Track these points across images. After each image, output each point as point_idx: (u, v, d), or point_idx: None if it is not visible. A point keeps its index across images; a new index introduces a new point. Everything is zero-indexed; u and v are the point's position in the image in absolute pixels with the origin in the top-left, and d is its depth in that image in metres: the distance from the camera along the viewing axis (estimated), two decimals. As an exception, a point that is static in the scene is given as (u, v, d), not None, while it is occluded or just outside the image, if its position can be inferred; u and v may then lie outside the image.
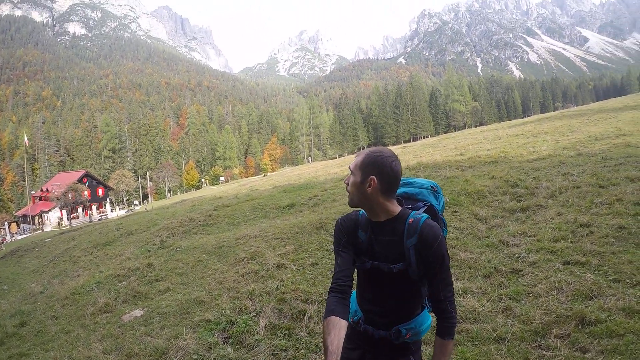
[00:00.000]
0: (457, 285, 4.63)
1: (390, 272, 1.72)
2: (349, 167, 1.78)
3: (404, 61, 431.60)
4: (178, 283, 7.12)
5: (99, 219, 48.09)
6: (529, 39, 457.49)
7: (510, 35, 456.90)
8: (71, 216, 52.65)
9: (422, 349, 1.98)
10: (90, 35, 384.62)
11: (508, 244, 5.87)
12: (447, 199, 8.56)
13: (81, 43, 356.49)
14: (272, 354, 3.93)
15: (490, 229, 6.79)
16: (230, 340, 4.29)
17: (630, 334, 3.21)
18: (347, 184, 1.77)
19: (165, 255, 9.44)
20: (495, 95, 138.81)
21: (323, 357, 1.57)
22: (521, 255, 5.35)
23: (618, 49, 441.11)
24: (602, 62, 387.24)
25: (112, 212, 58.81)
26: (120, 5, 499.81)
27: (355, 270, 1.86)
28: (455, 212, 7.85)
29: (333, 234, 1.85)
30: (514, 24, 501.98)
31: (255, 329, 4.35)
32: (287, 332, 4.29)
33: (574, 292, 4.04)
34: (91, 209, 58.76)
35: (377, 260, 1.75)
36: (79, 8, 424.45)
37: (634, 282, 4.04)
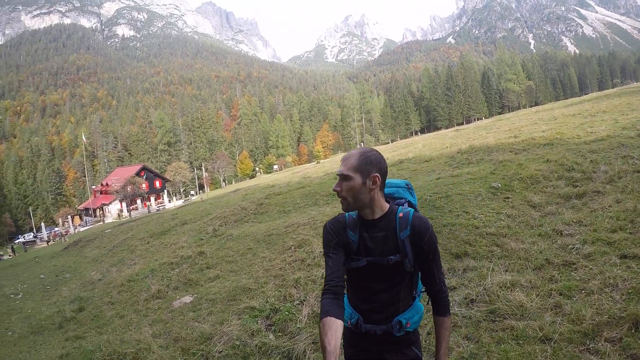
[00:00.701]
0: (506, 277, 4.39)
1: (387, 264, 1.77)
2: (340, 173, 1.76)
3: (453, 41, 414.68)
4: (227, 271, 7.35)
5: (157, 210, 50.19)
6: (583, 11, 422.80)
7: (563, 8, 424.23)
8: (130, 208, 55.48)
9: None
10: (138, 36, 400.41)
11: (562, 234, 5.51)
12: (499, 184, 8.22)
13: (131, 44, 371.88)
14: (313, 342, 3.94)
15: (544, 216, 6.43)
16: (273, 328, 4.38)
17: None
18: (340, 190, 1.75)
19: (217, 243, 9.73)
20: (550, 73, 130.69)
21: (322, 358, 1.56)
22: (575, 246, 5.00)
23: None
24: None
25: (169, 202, 61.38)
26: (165, 5, 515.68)
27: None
28: (507, 198, 7.49)
29: (323, 238, 1.86)
30: None
31: (298, 317, 4.41)
32: (328, 321, 4.32)
33: (630, 290, 3.69)
34: (149, 200, 61.62)
35: (372, 256, 1.80)
36: (125, 11, 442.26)
37: None
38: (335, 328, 1.59)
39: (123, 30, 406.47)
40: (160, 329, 5.10)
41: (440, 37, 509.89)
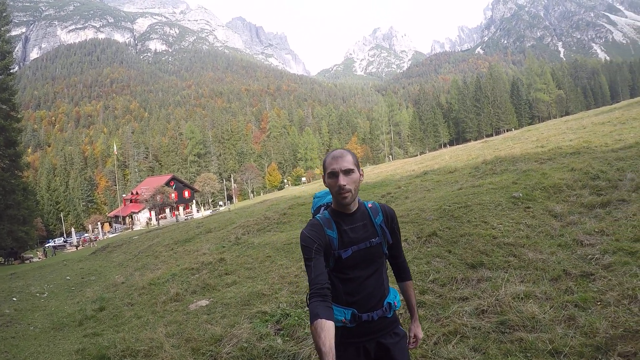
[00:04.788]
0: (520, 288, 4.27)
1: (371, 247, 1.97)
2: (345, 168, 1.90)
3: (481, 51, 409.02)
4: (245, 277, 7.52)
5: (185, 219, 50.87)
6: (612, 17, 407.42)
7: (592, 14, 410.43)
8: (159, 216, 56.59)
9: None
10: (170, 50, 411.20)
11: (582, 244, 5.35)
12: (520, 194, 8.06)
13: (163, 58, 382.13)
14: (319, 348, 3.97)
15: (565, 226, 6.26)
16: (282, 332, 4.44)
17: None
18: (345, 184, 1.88)
19: (238, 251, 9.94)
20: (580, 82, 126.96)
21: None
22: (595, 256, 4.84)
23: None
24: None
25: (197, 212, 62.28)
26: (197, 21, 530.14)
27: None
28: (528, 208, 7.33)
29: (301, 247, 1.91)
30: (594, 1, 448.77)
31: (307, 323, 4.42)
32: (337, 328, 4.33)
33: None
34: (178, 210, 62.78)
35: (357, 245, 1.95)
36: (158, 27, 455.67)
37: None
38: (327, 329, 1.63)
39: (155, 45, 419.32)
40: (174, 330, 5.24)
41: (469, 48, 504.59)
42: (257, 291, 6.12)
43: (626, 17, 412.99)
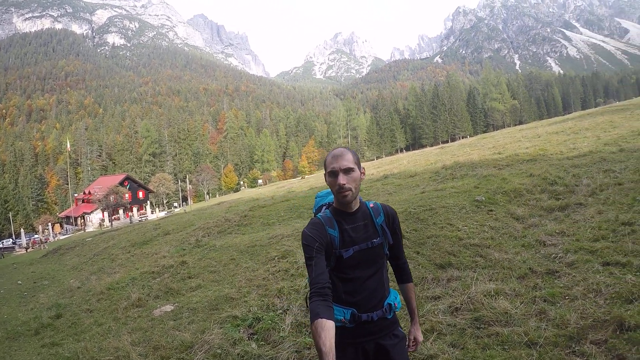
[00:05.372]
0: (490, 286, 4.43)
1: (372, 247, 1.96)
2: (345, 167, 1.89)
3: (440, 60, 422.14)
4: (210, 280, 7.27)
5: (139, 220, 49.47)
6: (567, 33, 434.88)
7: (548, 30, 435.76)
8: (112, 217, 54.55)
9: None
10: (129, 45, 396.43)
11: (545, 244, 5.63)
12: (483, 198, 8.33)
13: (120, 53, 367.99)
14: (296, 351, 3.88)
15: (527, 228, 6.56)
16: (255, 337, 4.31)
17: None
18: (345, 183, 1.87)
19: (200, 253, 9.64)
20: (534, 93, 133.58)
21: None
22: (558, 255, 5.10)
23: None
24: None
25: (152, 213, 60.58)
26: (157, 16, 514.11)
27: None
28: (491, 211, 7.61)
29: (302, 246, 1.89)
30: (551, 17, 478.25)
31: (281, 326, 4.34)
32: (312, 329, 4.26)
33: (613, 295, 3.78)
34: (132, 211, 60.75)
35: (358, 245, 1.94)
36: (117, 20, 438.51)
37: None
38: (328, 329, 1.61)
39: (114, 39, 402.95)
40: (140, 337, 4.97)
41: (428, 56, 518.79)
42: (225, 295, 5.93)
43: (581, 33, 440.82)
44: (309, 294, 1.79)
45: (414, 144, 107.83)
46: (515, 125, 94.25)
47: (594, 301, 3.77)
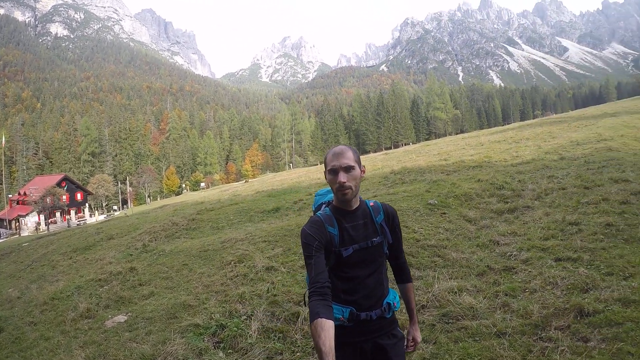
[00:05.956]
0: (452, 284, 4.63)
1: (371, 246, 1.96)
2: (346, 165, 1.89)
3: (386, 69, 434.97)
4: (163, 287, 6.94)
5: (78, 224, 46.69)
6: (510, 48, 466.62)
7: (492, 45, 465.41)
8: (49, 221, 50.91)
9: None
10: (72, 36, 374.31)
11: (499, 244, 5.95)
12: (436, 201, 8.61)
13: (63, 44, 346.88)
14: (267, 358, 3.81)
15: (480, 229, 6.89)
16: (222, 345, 4.14)
17: (628, 322, 3.30)
18: (345, 182, 1.87)
19: (149, 259, 9.26)
20: (475, 103, 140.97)
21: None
22: (513, 253, 5.43)
23: (597, 59, 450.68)
24: (581, 72, 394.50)
25: (90, 217, 57.30)
26: (104, 7, 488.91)
27: None
28: (444, 213, 7.92)
29: (302, 244, 1.89)
30: (495, 33, 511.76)
31: (248, 333, 4.21)
32: (280, 335, 4.17)
33: (569, 286, 4.12)
34: (69, 214, 57.10)
35: (358, 243, 1.94)
36: (62, 9, 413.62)
37: (627, 275, 4.16)
38: (327, 328, 1.60)
39: (57, 29, 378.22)
40: (94, 352, 4.62)
41: (374, 64, 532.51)
42: (182, 302, 5.67)
43: (523, 50, 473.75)
44: (308, 293, 1.78)
45: (358, 150, 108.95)
46: (457, 134, 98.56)
47: (552, 292, 4.08)
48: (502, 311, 3.90)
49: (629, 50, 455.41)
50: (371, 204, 2.06)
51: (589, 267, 4.51)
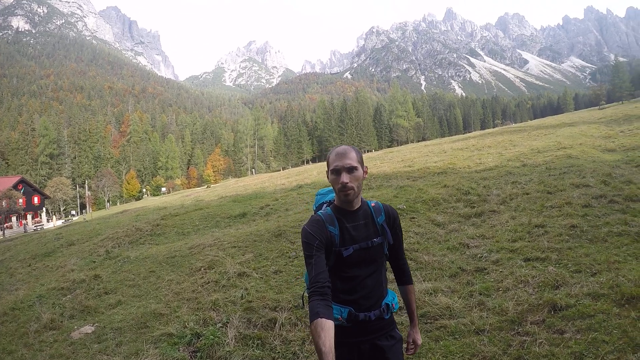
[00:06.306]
0: (427, 285, 4.76)
1: (372, 247, 1.96)
2: (349, 165, 1.89)
3: (350, 76, 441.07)
4: (130, 295, 6.76)
5: (35, 229, 44.46)
6: (472, 60, 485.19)
7: (454, 55, 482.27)
8: (4, 225, 48.15)
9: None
10: (34, 31, 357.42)
11: (469, 246, 6.17)
12: (404, 206, 8.78)
13: (24, 39, 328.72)
14: (248, 365, 3.74)
15: (449, 233, 7.11)
16: (199, 355, 4.02)
17: (600, 314, 3.53)
18: (347, 182, 1.87)
19: (113, 266, 9.02)
20: (437, 112, 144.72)
21: None
22: (483, 255, 5.65)
23: (556, 71, 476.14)
24: (540, 83, 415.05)
25: (48, 222, 54.61)
26: (69, 2, 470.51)
27: None
28: (413, 218, 8.10)
29: (302, 243, 1.88)
30: (458, 44, 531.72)
31: (225, 341, 4.12)
32: (259, 341, 4.12)
33: (540, 284, 4.34)
34: (26, 219, 54.26)
35: (358, 243, 1.94)
36: (25, 1, 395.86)
37: (594, 272, 4.45)
38: (327, 328, 1.60)
39: (19, 23, 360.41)
40: (62, 366, 4.41)
41: (339, 71, 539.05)
42: (152, 311, 5.51)
43: (485, 61, 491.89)
44: (308, 292, 1.77)
45: (321, 156, 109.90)
46: (419, 141, 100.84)
47: (524, 290, 4.29)
48: (478, 309, 4.06)
49: (587, 64, 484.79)
50: (372, 204, 2.06)
51: (557, 265, 4.77)
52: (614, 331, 3.25)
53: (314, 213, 2.11)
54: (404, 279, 2.18)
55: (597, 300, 3.77)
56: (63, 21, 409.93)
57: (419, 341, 2.18)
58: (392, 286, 2.28)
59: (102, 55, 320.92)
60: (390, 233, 2.03)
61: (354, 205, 1.97)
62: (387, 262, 2.16)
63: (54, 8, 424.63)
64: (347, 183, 1.87)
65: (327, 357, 1.51)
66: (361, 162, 1.95)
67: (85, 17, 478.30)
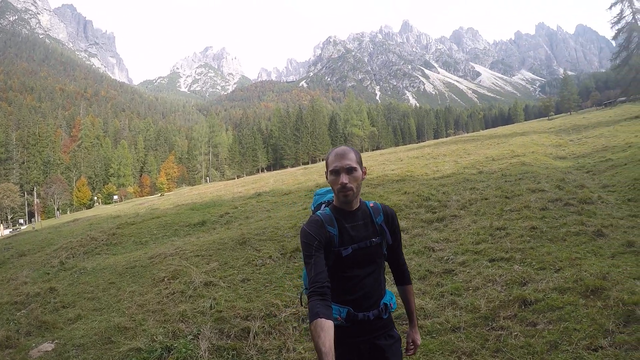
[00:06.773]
0: (396, 288, 4.82)
1: (370, 246, 1.97)
2: (348, 166, 1.90)
3: (306, 85, 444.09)
4: (90, 309, 6.47)
5: (-22, 239, 41.24)
6: (426, 71, 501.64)
7: (409, 67, 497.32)
8: (-52, 235, 44.47)
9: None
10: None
11: (434, 250, 6.40)
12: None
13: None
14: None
15: (413, 237, 7.31)
16: (172, 369, 3.87)
17: (568, 305, 3.82)
18: (347, 183, 1.89)
19: (69, 278, 8.65)
20: (392, 122, 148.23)
21: None
22: (449, 258, 5.88)
23: (507, 84, 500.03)
24: (492, 95, 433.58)
25: (-5, 231, 50.95)
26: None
27: None
28: (376, 224, 8.21)
29: (302, 243, 1.89)
30: (413, 56, 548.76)
31: (198, 353, 4.01)
32: (234, 352, 4.06)
33: (508, 282, 4.60)
34: (-30, 227, 50.35)
35: (357, 243, 1.95)
36: None
37: (557, 268, 4.77)
38: (327, 329, 1.60)
39: None
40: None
41: (295, 80, 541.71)
42: (116, 325, 5.25)
43: (438, 73, 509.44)
44: (307, 292, 1.77)
45: (275, 164, 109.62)
46: (374, 150, 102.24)
47: (493, 288, 4.52)
48: (451, 309, 4.24)
49: (537, 77, 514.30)
50: (371, 204, 2.08)
51: (522, 264, 5.07)
52: (584, 320, 3.52)
53: (312, 213, 2.12)
54: (403, 279, 2.22)
55: (564, 293, 4.05)
56: (16, 17, 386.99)
57: (419, 341, 2.21)
58: (390, 286, 2.35)
59: (55, 55, 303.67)
60: (389, 233, 2.06)
61: (353, 206, 1.99)
62: (386, 263, 2.17)
63: (8, 3, 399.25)
64: (347, 184, 1.88)
65: (327, 357, 1.51)
66: (360, 163, 1.97)
67: (39, 14, 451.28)
